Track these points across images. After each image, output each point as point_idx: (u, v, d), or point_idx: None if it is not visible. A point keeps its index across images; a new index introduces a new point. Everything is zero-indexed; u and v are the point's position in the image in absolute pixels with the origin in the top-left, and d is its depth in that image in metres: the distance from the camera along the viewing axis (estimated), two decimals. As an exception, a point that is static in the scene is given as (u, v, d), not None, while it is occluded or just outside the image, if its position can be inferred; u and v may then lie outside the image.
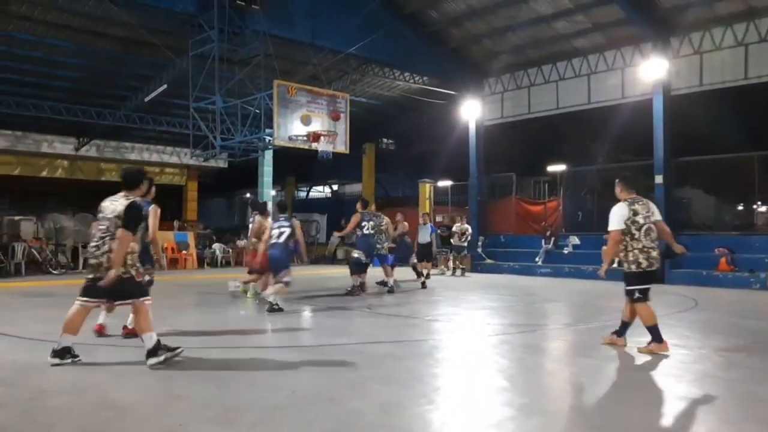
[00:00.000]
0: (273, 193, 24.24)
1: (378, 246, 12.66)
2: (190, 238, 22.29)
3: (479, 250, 21.09)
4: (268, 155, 21.17)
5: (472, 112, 21.62)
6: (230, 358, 6.40)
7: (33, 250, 17.66)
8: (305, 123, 16.36)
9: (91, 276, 5.87)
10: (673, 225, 15.39)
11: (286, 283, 9.93)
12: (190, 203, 29.20)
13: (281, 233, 10.09)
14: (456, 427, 4.30)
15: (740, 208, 25.54)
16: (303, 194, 40.32)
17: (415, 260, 15.38)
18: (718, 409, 4.82)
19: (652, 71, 17.08)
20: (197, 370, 5.67)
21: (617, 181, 6.95)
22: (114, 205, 5.86)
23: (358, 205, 12.81)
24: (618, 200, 6.86)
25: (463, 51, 20.96)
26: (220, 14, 15.59)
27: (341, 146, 17.36)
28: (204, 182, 30.47)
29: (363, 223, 12.46)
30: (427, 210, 22.85)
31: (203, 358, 6.19)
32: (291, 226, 10.19)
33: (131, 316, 7.12)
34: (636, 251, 6.60)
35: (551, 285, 15.96)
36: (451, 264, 19.76)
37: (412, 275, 15.09)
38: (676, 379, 5.65)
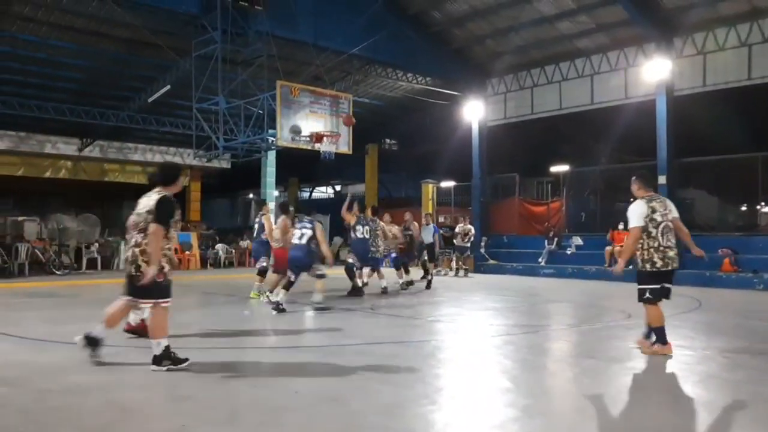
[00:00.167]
0: (276, 193, 24.24)
1: (372, 249, 12.68)
2: (193, 238, 22.31)
3: (482, 250, 21.08)
4: (271, 156, 21.18)
5: (475, 112, 21.61)
6: (234, 358, 6.41)
7: (36, 251, 17.69)
8: (294, 131, 16.33)
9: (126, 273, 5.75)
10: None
11: (321, 275, 10.07)
12: (193, 204, 29.20)
13: (303, 234, 10.14)
14: (459, 427, 4.29)
15: (744, 208, 25.50)
16: (306, 195, 40.33)
17: (426, 257, 15.34)
18: (722, 410, 4.80)
19: (655, 72, 17.05)
20: (201, 370, 5.67)
21: (634, 178, 6.86)
22: (147, 200, 5.70)
23: (356, 208, 12.91)
24: (635, 198, 6.77)
25: (466, 51, 20.95)
26: (223, 15, 15.61)
27: (344, 147, 17.37)
28: (207, 183, 30.50)
29: (358, 227, 12.55)
30: (430, 211, 22.86)
31: (207, 359, 6.19)
32: (313, 228, 10.22)
33: (132, 314, 7.13)
34: (651, 250, 6.50)
35: (554, 286, 15.93)
36: (454, 265, 19.75)
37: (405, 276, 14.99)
38: (681, 380, 5.64)
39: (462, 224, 19.46)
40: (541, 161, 23.76)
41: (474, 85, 21.58)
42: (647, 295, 6.56)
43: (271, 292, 10.76)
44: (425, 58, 20.15)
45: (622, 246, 17.60)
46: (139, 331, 7.03)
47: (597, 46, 18.78)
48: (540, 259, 19.69)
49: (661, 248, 6.48)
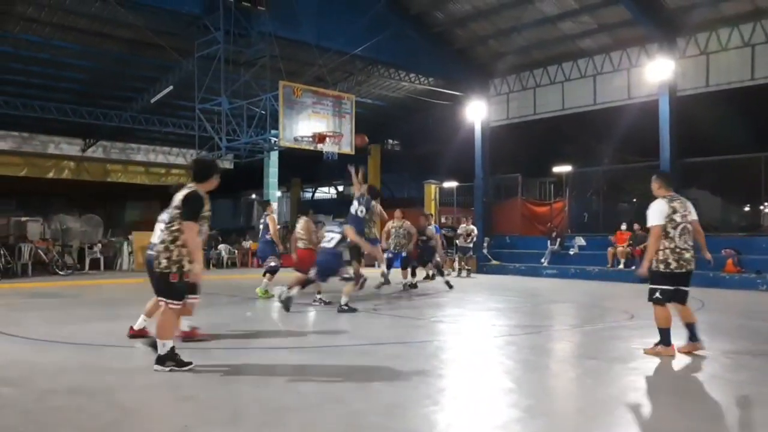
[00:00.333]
0: (279, 194, 24.24)
1: (366, 231, 12.45)
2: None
3: (485, 251, 21.08)
4: (274, 156, 21.21)
5: (477, 113, 21.61)
6: (236, 358, 6.40)
7: (39, 251, 17.72)
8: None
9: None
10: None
11: (349, 279, 10.03)
12: (195, 204, 29.18)
13: (332, 239, 10.15)
14: (461, 428, 4.29)
15: (747, 209, 25.48)
16: (308, 195, 40.34)
17: (439, 259, 15.31)
18: (725, 411, 4.79)
19: (658, 72, 17.04)
20: (203, 371, 5.67)
21: (654, 177, 6.76)
22: (178, 196, 5.60)
23: (361, 176, 12.75)
24: (655, 197, 6.65)
25: (469, 52, 20.95)
26: (226, 16, 15.63)
27: (346, 147, 17.39)
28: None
29: (354, 202, 12.31)
30: (432, 211, 22.85)
31: (209, 359, 6.19)
32: (342, 233, 10.23)
33: (141, 317, 7.14)
34: (667, 251, 6.39)
35: (557, 286, 15.92)
36: (456, 265, 19.74)
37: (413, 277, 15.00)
38: (684, 381, 5.63)
39: (464, 225, 19.45)
40: (543, 162, 23.74)
41: (476, 85, 21.57)
42: (657, 295, 6.48)
43: (290, 288, 10.78)
44: (428, 59, 20.15)
45: (624, 246, 17.70)
46: (191, 337, 7.04)
47: (600, 47, 18.77)
48: (542, 260, 19.67)
49: (678, 250, 6.39)
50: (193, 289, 5.70)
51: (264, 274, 11.86)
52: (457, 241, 19.56)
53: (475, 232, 19.46)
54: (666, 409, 4.79)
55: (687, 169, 17.84)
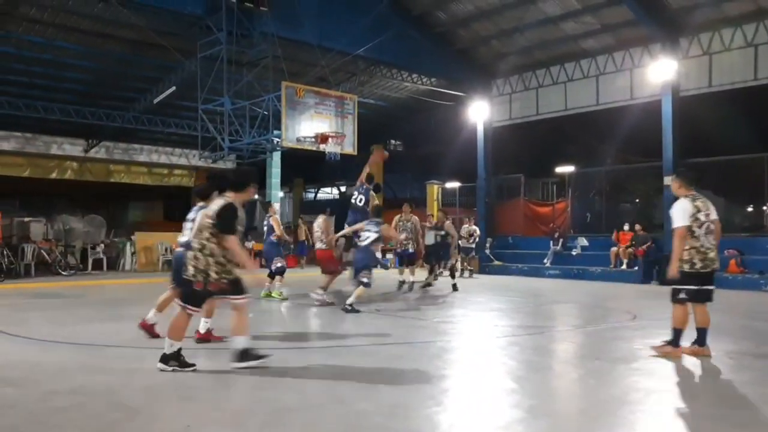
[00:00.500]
0: (281, 194, 24.24)
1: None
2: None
3: (487, 251, 21.06)
4: (276, 157, 21.23)
5: (479, 113, 21.60)
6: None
7: (42, 252, 17.76)
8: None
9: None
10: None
11: (365, 284, 10.03)
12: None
13: (368, 237, 10.18)
14: (464, 428, 4.29)
15: (750, 209, 25.41)
16: (311, 195, 40.34)
17: (454, 260, 15.23)
18: (728, 412, 4.78)
19: (660, 72, 17.01)
20: (206, 371, 5.68)
21: (674, 176, 6.71)
22: (213, 205, 5.62)
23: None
24: (677, 197, 6.60)
25: (471, 52, 20.94)
26: (228, 16, 15.64)
27: (349, 147, 17.39)
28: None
29: (354, 192, 12.35)
30: (434, 212, 22.81)
31: (211, 359, 6.19)
32: (379, 232, 10.23)
33: (152, 311, 7.21)
34: (693, 251, 6.32)
35: (559, 287, 15.90)
36: (459, 266, 19.70)
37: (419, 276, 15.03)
38: (686, 382, 5.62)
39: (467, 225, 19.44)
40: (546, 162, 23.71)
41: (479, 85, 21.57)
42: (682, 295, 6.41)
43: (324, 290, 10.83)
44: (430, 59, 20.15)
45: (626, 247, 17.67)
46: (206, 339, 7.10)
47: (602, 47, 18.75)
48: (545, 260, 19.65)
49: (703, 249, 6.34)
50: (239, 289, 5.69)
51: (270, 276, 11.84)
52: (460, 242, 19.51)
53: (478, 232, 19.44)
54: (668, 410, 4.77)
55: (690, 169, 17.76)
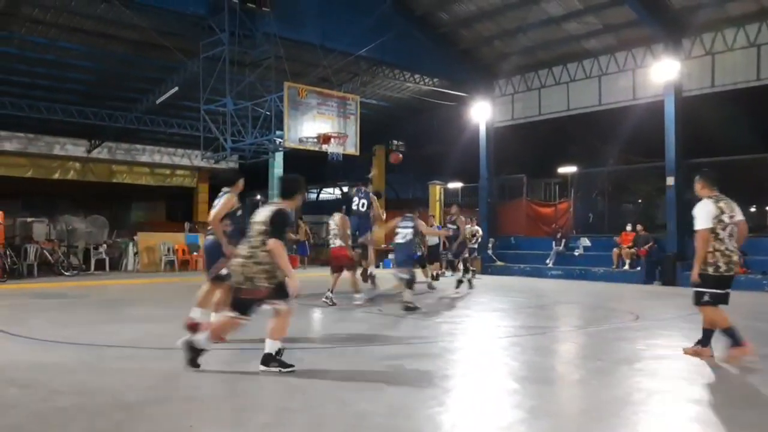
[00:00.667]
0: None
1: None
2: (201, 239, 22.35)
3: (489, 251, 21.05)
4: (279, 157, 21.20)
5: (482, 113, 21.60)
6: (240, 359, 6.41)
7: (45, 252, 17.77)
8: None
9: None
10: (684, 227, 15.37)
11: (407, 281, 10.10)
12: (201, 205, 29.28)
13: (405, 234, 10.23)
14: (466, 429, 4.28)
15: (752, 209, 25.37)
16: (313, 196, 40.38)
17: (467, 255, 15.25)
18: (730, 413, 4.77)
19: (663, 72, 17.01)
20: (208, 371, 5.68)
21: (697, 177, 6.51)
22: (263, 211, 5.60)
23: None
24: (699, 198, 6.43)
25: (474, 52, 20.95)
26: (231, 17, 15.66)
27: (351, 148, 17.40)
28: (215, 184, 30.58)
29: (355, 198, 12.42)
30: (437, 212, 22.82)
31: (213, 359, 6.19)
32: (414, 227, 10.22)
33: (198, 310, 7.21)
34: (717, 253, 6.13)
35: (562, 287, 15.89)
36: (460, 266, 19.65)
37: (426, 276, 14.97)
38: (689, 383, 5.61)
39: (469, 225, 19.39)
40: (548, 162, 23.70)
41: (481, 86, 21.57)
42: (706, 298, 6.23)
43: (357, 293, 10.92)
44: (432, 59, 20.16)
45: (628, 247, 17.65)
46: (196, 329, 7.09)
47: (605, 47, 18.75)
48: (547, 261, 19.65)
49: (727, 252, 6.15)
50: (283, 294, 5.67)
51: None
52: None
53: (480, 232, 19.41)
54: (670, 411, 4.77)
55: (692, 169, 17.67)
